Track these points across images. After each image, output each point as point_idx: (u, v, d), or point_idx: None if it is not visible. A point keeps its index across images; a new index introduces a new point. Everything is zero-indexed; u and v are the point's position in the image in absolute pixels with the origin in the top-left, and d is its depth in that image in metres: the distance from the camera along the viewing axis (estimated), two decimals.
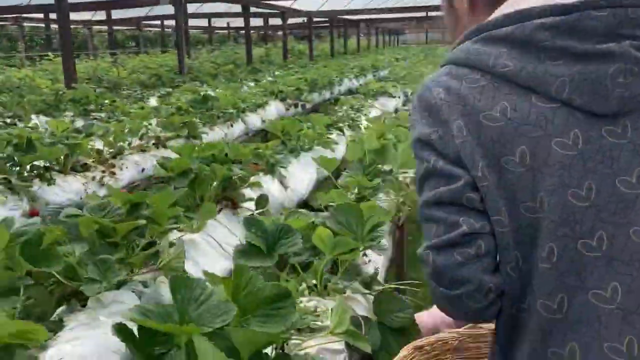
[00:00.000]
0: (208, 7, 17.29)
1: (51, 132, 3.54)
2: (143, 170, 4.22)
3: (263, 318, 1.14)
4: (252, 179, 2.80)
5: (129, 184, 4.04)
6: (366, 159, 2.62)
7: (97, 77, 9.53)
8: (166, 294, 1.98)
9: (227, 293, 1.16)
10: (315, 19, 18.58)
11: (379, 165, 2.60)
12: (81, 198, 3.62)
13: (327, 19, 19.76)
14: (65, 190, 3.40)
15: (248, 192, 2.83)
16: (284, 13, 14.99)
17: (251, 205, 2.76)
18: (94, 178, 3.62)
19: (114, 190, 2.10)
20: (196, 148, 2.73)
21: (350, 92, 11.06)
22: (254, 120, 6.43)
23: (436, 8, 25.29)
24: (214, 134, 5.32)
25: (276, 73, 11.17)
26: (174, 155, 4.79)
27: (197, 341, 0.90)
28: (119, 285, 1.81)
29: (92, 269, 1.76)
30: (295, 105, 7.62)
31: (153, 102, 7.06)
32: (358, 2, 19.64)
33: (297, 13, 16.22)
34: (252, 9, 13.31)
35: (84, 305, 1.78)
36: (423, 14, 27.84)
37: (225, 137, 5.53)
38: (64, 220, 1.89)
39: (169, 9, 15.60)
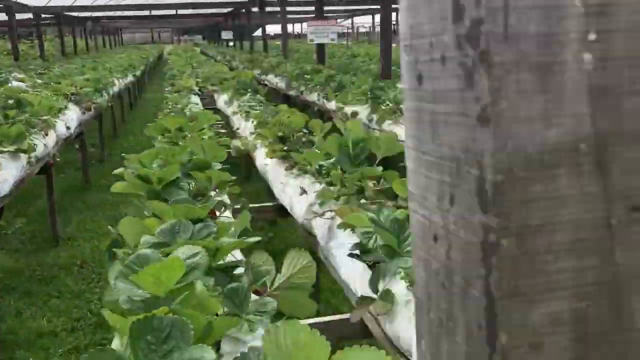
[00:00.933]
0: None
1: None
2: None
3: None
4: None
5: None
6: (351, 150, 2.55)
7: None
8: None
9: None
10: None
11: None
12: None
13: (53, 16, 17.81)
14: None
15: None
16: (11, 8, 13.05)
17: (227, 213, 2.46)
18: None
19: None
20: (159, 153, 2.29)
21: (120, 93, 10.26)
22: (59, 126, 5.54)
23: (161, 7, 24.89)
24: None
25: (20, 75, 9.68)
26: None
27: None
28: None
29: (226, 302, 1.40)
30: (89, 109, 6.78)
31: None
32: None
33: (24, 8, 14.25)
34: None
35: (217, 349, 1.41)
36: (147, 12, 27.08)
37: (45, 148, 4.68)
38: None
39: None
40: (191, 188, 2.25)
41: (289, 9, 13.79)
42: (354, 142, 2.57)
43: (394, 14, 9.90)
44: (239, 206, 2.61)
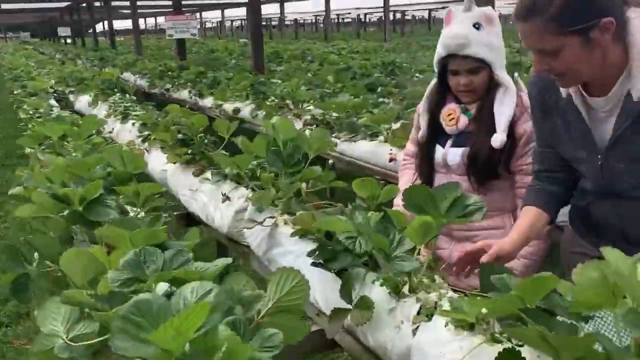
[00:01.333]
0: None
1: None
2: None
3: None
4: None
5: None
6: (282, 150, 2.36)
7: None
8: None
9: None
10: None
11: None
12: None
13: None
14: None
15: None
16: None
17: None
18: None
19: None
20: (69, 167, 1.93)
21: None
22: None
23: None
24: None
25: None
26: None
27: None
28: None
29: None
30: None
31: None
32: None
33: None
34: None
35: None
36: None
37: None
38: None
39: None
40: (114, 205, 1.94)
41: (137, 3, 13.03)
42: (284, 142, 2.39)
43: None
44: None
